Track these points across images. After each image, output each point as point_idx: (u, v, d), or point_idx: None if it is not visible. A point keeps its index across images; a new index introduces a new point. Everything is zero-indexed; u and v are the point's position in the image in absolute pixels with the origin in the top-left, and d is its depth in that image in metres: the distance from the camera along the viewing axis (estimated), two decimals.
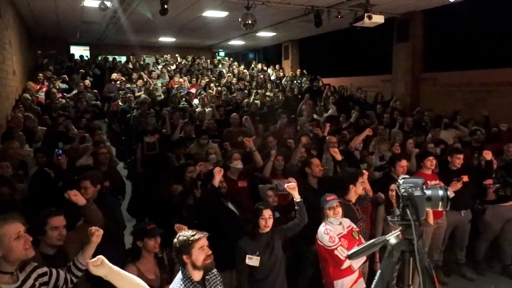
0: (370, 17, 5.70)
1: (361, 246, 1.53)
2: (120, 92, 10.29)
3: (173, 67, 14.28)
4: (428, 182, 4.54)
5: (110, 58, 14.91)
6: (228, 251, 3.41)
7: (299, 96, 10.93)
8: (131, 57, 14.58)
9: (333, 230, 3.30)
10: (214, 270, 2.63)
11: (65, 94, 9.94)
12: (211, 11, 10.25)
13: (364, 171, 4.34)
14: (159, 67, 13.83)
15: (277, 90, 12.34)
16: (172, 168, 5.37)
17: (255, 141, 6.63)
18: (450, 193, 4.41)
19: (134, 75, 12.09)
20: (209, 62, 16.18)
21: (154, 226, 3.13)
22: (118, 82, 11.20)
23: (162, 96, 10.58)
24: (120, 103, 9.67)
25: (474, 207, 5.09)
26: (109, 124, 10.05)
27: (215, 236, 3.58)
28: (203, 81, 12.54)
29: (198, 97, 10.02)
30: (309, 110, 8.47)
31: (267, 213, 3.33)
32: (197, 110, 8.76)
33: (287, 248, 3.85)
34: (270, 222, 3.34)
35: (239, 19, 8.53)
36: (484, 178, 5.04)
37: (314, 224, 3.54)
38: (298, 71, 15.19)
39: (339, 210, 3.46)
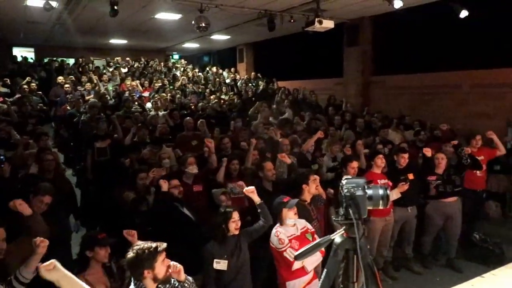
0: (320, 22, 5.87)
1: (307, 246, 1.57)
2: (68, 96, 9.86)
3: (125, 70, 13.86)
4: (378, 181, 4.75)
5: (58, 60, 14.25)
6: (185, 257, 3.36)
7: (253, 99, 11.00)
8: (80, 59, 14.01)
9: (283, 232, 3.34)
10: (190, 278, 2.58)
11: (6, 98, 9.35)
12: (164, 13, 10.09)
13: (315, 177, 4.47)
14: (110, 70, 13.38)
15: (232, 93, 12.34)
16: (124, 174, 5.21)
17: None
18: (397, 194, 4.66)
19: (84, 78, 11.62)
20: (162, 65, 15.88)
21: (105, 235, 3.02)
22: (67, 85, 10.72)
23: (113, 100, 10.25)
24: (68, 107, 9.25)
25: (418, 201, 5.35)
26: (56, 130, 9.58)
27: (170, 242, 3.55)
28: (156, 84, 12.27)
29: (151, 101, 9.81)
30: (267, 113, 8.54)
31: (236, 215, 3.36)
32: (150, 114, 8.57)
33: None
34: (239, 224, 3.35)
35: (193, 22, 8.46)
36: (427, 174, 5.31)
37: (270, 227, 3.57)
38: (253, 74, 15.29)
39: (296, 209, 3.52)
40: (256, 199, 3.51)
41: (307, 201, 4.04)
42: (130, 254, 2.40)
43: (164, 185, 3.83)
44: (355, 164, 4.66)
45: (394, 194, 4.75)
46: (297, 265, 3.26)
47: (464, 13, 7.39)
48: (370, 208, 1.49)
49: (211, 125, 7.78)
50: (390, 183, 4.91)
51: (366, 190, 1.49)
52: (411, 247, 5.41)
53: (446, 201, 5.28)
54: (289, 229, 3.41)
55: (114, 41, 14.89)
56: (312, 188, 4.00)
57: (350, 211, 1.44)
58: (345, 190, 1.49)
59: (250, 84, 13.85)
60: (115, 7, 7.57)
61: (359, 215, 1.44)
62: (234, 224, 3.33)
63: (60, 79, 11.09)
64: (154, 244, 2.41)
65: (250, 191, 3.50)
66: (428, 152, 5.24)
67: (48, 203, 3.48)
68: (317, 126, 8.08)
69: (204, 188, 4.79)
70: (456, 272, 5.26)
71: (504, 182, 7.19)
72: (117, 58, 15.09)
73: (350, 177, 1.57)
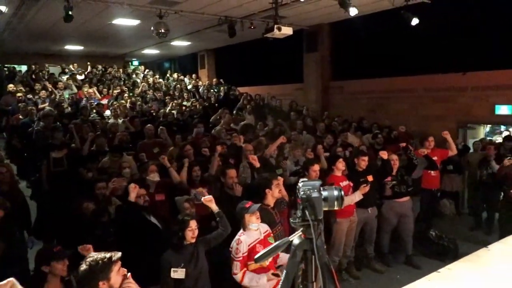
0: (279, 29, 5.96)
1: (266, 249, 1.59)
2: (20, 104, 9.40)
3: (82, 77, 13.41)
4: (340, 183, 4.87)
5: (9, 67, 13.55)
6: (153, 266, 3.30)
7: (216, 105, 10.98)
8: (33, 66, 13.41)
9: (244, 241, 3.34)
10: None
11: None
12: (121, 19, 9.88)
13: (279, 177, 4.52)
14: (66, 77, 12.89)
15: (194, 99, 12.25)
16: (83, 184, 5.04)
17: (173, 151, 6.54)
18: (359, 196, 4.81)
19: (37, 86, 11.12)
20: (121, 72, 15.51)
21: (61, 248, 2.90)
22: (19, 94, 10.21)
23: (70, 108, 9.89)
24: (20, 117, 8.82)
25: (375, 202, 5.53)
26: (8, 140, 9.10)
27: (138, 251, 3.47)
28: (115, 91, 11.97)
29: (110, 108, 9.56)
30: (228, 119, 8.54)
31: (194, 224, 3.31)
32: (109, 122, 8.35)
33: (212, 256, 3.83)
34: (196, 233, 3.31)
35: (152, 28, 8.35)
36: (384, 176, 5.50)
37: (236, 232, 3.57)
38: (214, 80, 15.26)
39: (258, 213, 3.53)
40: (214, 208, 3.52)
41: (270, 205, 4.06)
42: (83, 267, 2.30)
43: (133, 191, 3.73)
44: (316, 167, 4.75)
45: (357, 196, 4.89)
46: (238, 278, 3.30)
47: (415, 21, 7.75)
48: (326, 209, 1.54)
49: (173, 132, 7.69)
50: (351, 184, 5.05)
51: (322, 192, 1.53)
52: (373, 246, 5.58)
53: (400, 201, 5.50)
54: (252, 234, 3.42)
55: (70, 47, 14.39)
56: (275, 192, 4.03)
57: (307, 213, 1.48)
58: (302, 193, 1.53)
59: (212, 90, 13.80)
60: (70, 13, 7.33)
61: (315, 216, 1.48)
62: (191, 233, 3.28)
63: (11, 87, 10.54)
64: (108, 254, 2.33)
65: (208, 199, 3.50)
66: (384, 155, 5.43)
67: (0, 217, 3.30)
68: (280, 131, 8.19)
69: (166, 197, 4.72)
70: (415, 269, 5.47)
71: (457, 181, 7.59)
72: (73, 64, 14.58)
73: (306, 180, 1.61)
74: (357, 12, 7.36)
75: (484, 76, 8.22)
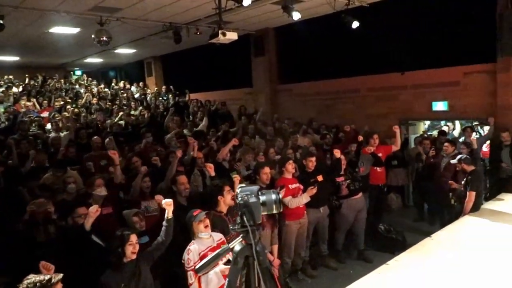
0: (224, 34, 5.96)
1: (207, 258, 1.57)
2: None
3: (19, 89, 12.64)
4: (289, 186, 4.94)
5: None
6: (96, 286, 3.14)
7: (165, 113, 10.77)
8: None
9: (195, 250, 3.27)
10: None
11: None
12: (60, 27, 9.44)
13: (236, 176, 4.51)
14: (1, 90, 12.08)
15: (142, 108, 11.94)
16: (21, 203, 4.71)
17: (120, 163, 6.31)
18: (306, 198, 4.89)
19: None
20: (63, 82, 14.80)
21: None
22: None
23: (7, 123, 9.27)
24: None
25: (332, 203, 5.68)
26: None
27: (80, 273, 3.28)
28: (56, 103, 11.38)
29: (52, 121, 9.07)
30: (176, 126, 8.40)
31: (134, 238, 3.17)
32: (50, 135, 7.92)
33: (160, 270, 3.72)
34: (137, 248, 3.18)
35: (93, 36, 8.05)
36: (335, 175, 5.66)
37: (187, 243, 3.49)
38: (163, 88, 14.97)
39: (207, 221, 3.48)
40: (169, 213, 3.41)
41: (223, 212, 4.03)
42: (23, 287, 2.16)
43: (93, 216, 3.49)
44: (266, 170, 4.78)
45: (304, 198, 4.97)
46: (195, 287, 3.22)
47: (355, 24, 8.06)
48: (265, 213, 1.54)
49: (120, 143, 7.44)
50: (302, 187, 5.13)
51: (260, 197, 1.53)
52: (326, 245, 5.70)
53: (356, 198, 5.69)
54: (203, 242, 3.36)
55: (4, 58, 13.54)
56: (228, 199, 4.00)
57: (245, 219, 1.48)
58: (239, 199, 1.52)
59: (160, 98, 13.53)
60: (1, 22, 6.90)
61: (253, 221, 1.48)
62: (131, 247, 3.15)
63: None
64: (47, 276, 2.21)
65: (169, 203, 3.40)
66: (337, 153, 5.59)
67: None
68: (233, 135, 8.19)
69: (114, 210, 4.54)
70: (367, 263, 5.66)
71: (402, 175, 7.96)
72: (9, 76, 13.71)
73: (244, 185, 1.61)
74: (300, 17, 7.53)
75: (421, 75, 8.69)
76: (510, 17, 6.64)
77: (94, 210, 3.47)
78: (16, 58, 13.81)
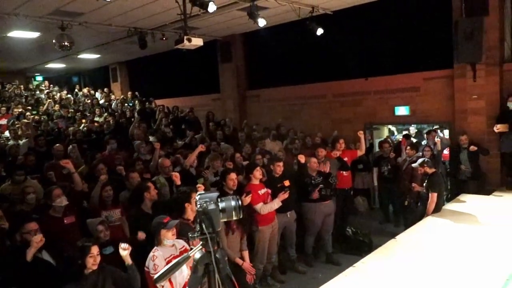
0: (189, 40, 5.92)
1: (166, 267, 1.54)
2: None
3: None
4: (258, 191, 4.94)
5: None
6: None
7: (132, 119, 10.56)
8: None
9: (160, 256, 3.21)
10: None
11: None
12: (18, 31, 9.06)
13: (200, 185, 4.48)
14: None
15: (106, 114, 11.64)
16: None
17: (84, 170, 6.14)
18: (278, 203, 4.91)
19: None
20: (22, 88, 14.23)
21: None
22: None
23: None
24: None
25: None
26: None
27: None
28: (16, 110, 10.92)
29: (10, 129, 8.69)
30: (142, 133, 8.24)
31: (95, 250, 3.08)
32: (8, 143, 7.58)
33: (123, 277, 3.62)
34: (98, 259, 3.08)
35: (54, 41, 7.79)
36: (301, 179, 5.71)
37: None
38: (129, 94, 14.68)
39: (175, 230, 3.42)
40: (128, 260, 3.33)
41: (190, 220, 3.97)
42: None
43: (37, 245, 3.29)
44: (233, 175, 4.76)
45: (275, 204, 4.99)
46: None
47: (319, 31, 8.22)
48: (225, 220, 1.53)
49: (84, 150, 7.23)
50: (270, 191, 5.14)
51: (219, 204, 1.52)
52: (294, 249, 5.73)
53: (326, 203, 5.74)
54: (167, 249, 3.30)
55: None
56: (195, 206, 3.95)
57: (204, 226, 1.46)
58: (198, 206, 1.51)
59: (126, 104, 13.25)
60: None
61: (213, 229, 1.47)
62: (92, 259, 3.07)
63: None
64: None
65: (125, 248, 3.31)
66: (301, 158, 5.65)
67: None
68: (201, 142, 8.13)
69: (76, 218, 4.40)
70: (335, 266, 5.72)
71: (367, 178, 8.15)
72: None
73: (204, 192, 1.59)
74: (265, 23, 7.60)
75: (384, 81, 8.97)
76: (465, 25, 6.96)
77: (38, 240, 3.28)
78: None
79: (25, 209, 4.66)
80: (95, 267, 3.09)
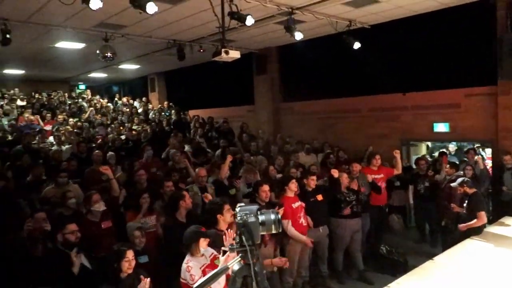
0: (227, 52, 6.01)
1: (206, 277, 1.55)
2: None
3: (23, 102, 12.74)
4: (292, 205, 4.92)
5: None
6: None
7: (167, 128, 10.83)
8: None
9: (195, 266, 3.24)
10: None
11: None
12: (65, 42, 9.54)
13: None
14: (4, 102, 12.17)
15: (144, 123, 12.00)
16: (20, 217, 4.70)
17: (120, 177, 6.33)
18: (306, 239, 4.82)
19: None
20: (66, 96, 14.91)
21: None
22: None
23: (10, 136, 9.32)
24: None
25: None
26: None
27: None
28: (60, 116, 11.45)
29: (54, 134, 9.11)
30: (178, 142, 8.42)
31: (131, 254, 3.16)
32: (52, 148, 7.94)
33: (159, 283, 3.67)
34: (133, 264, 3.16)
35: (97, 51, 8.14)
36: (332, 194, 5.63)
37: (183, 260, 3.45)
38: (165, 104, 15.06)
39: (208, 240, 3.45)
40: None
41: (223, 230, 3.99)
42: None
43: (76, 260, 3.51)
44: (266, 187, 4.76)
45: (303, 237, 4.93)
46: None
47: (357, 45, 8.16)
48: (264, 233, 1.53)
49: (122, 158, 7.46)
50: (304, 205, 5.09)
51: (259, 216, 1.52)
52: (326, 265, 5.63)
53: (355, 219, 5.63)
54: (199, 259, 3.32)
55: (9, 71, 13.64)
56: (228, 217, 3.97)
57: (244, 238, 1.47)
58: (238, 218, 1.51)
59: (163, 114, 13.61)
60: (8, 35, 6.98)
61: (252, 241, 1.47)
62: (127, 264, 3.16)
63: None
64: None
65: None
66: (335, 173, 5.58)
67: None
68: (233, 153, 8.19)
69: (113, 224, 4.54)
70: (368, 285, 5.58)
71: (403, 195, 7.92)
72: (14, 89, 13.83)
73: (244, 204, 1.60)
74: (302, 37, 7.63)
75: (423, 96, 8.74)
76: (510, 41, 6.71)
77: (74, 255, 3.50)
78: (21, 72, 13.91)
79: (64, 212, 4.85)
80: (130, 271, 3.17)
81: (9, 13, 6.93)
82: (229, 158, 6.13)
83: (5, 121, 10.54)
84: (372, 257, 6.23)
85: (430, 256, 4.67)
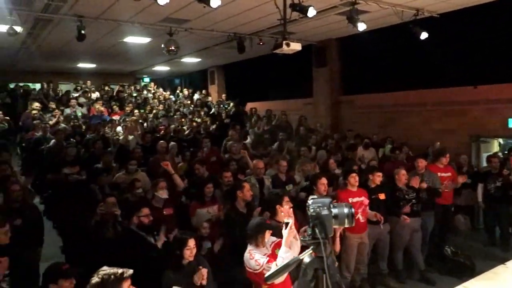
0: (288, 45, 5.99)
1: (276, 268, 1.56)
2: (35, 121, 9.56)
3: (95, 94, 13.65)
4: (349, 198, 4.81)
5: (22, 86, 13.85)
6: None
7: (226, 120, 11.05)
8: (48, 84, 13.69)
9: (258, 252, 3.27)
10: None
11: None
12: (132, 37, 10.06)
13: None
14: (77, 94, 13.12)
15: (204, 115, 12.34)
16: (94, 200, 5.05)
17: (182, 167, 6.57)
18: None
19: (51, 104, 11.32)
20: (133, 89, 15.75)
21: (69, 266, 2.89)
22: (34, 111, 10.40)
23: (83, 125, 10.03)
24: (35, 133, 8.96)
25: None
26: (24, 156, 9.25)
27: (140, 269, 3.44)
28: (127, 108, 12.13)
29: (122, 125, 9.66)
30: (236, 134, 8.56)
31: (192, 243, 3.29)
32: (120, 138, 8.43)
33: (218, 273, 3.78)
34: (195, 252, 3.29)
35: (162, 45, 8.47)
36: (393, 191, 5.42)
37: (243, 249, 3.51)
38: (224, 96, 15.35)
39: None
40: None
41: (281, 222, 4.01)
42: (95, 279, 2.33)
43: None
44: (324, 180, 4.70)
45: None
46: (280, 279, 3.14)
47: (424, 35, 7.75)
48: (336, 226, 1.50)
49: (182, 148, 7.73)
50: (366, 202, 4.96)
51: (332, 209, 1.50)
52: (386, 263, 5.46)
53: (414, 218, 5.40)
54: (261, 249, 3.36)
55: (82, 65, 14.66)
56: (286, 209, 3.98)
57: (317, 231, 1.45)
58: (311, 210, 1.50)
59: (222, 106, 13.90)
60: (82, 32, 7.49)
61: (325, 234, 1.45)
62: (189, 252, 3.28)
63: (37, 105, 10.75)
64: (120, 270, 2.35)
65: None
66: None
67: (7, 231, 3.28)
68: (289, 147, 8.20)
69: (174, 211, 4.74)
70: (430, 286, 5.34)
71: (471, 195, 7.42)
72: (87, 82, 14.83)
73: (316, 196, 1.58)
74: (365, 27, 7.39)
75: (496, 89, 8.13)
76: None
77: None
78: (92, 65, 14.91)
79: (131, 198, 5.13)
80: (191, 259, 3.30)
81: (84, 11, 7.43)
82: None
83: (79, 112, 11.35)
84: (435, 258, 5.93)
85: (501, 261, 4.35)
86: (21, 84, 14.18)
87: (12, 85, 13.92)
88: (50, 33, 9.30)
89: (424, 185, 5.62)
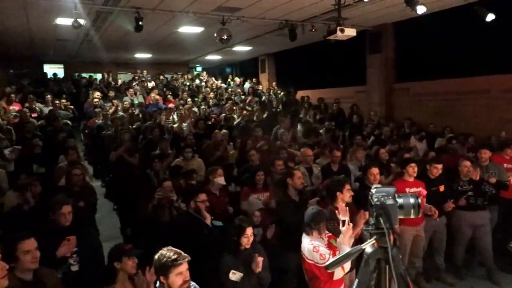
0: (342, 31, 5.83)
1: (338, 257, 1.55)
2: (96, 109, 10.15)
3: (151, 83, 14.20)
4: (407, 189, 4.65)
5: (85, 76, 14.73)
6: (209, 270, 3.40)
7: (277, 109, 11.04)
8: (108, 74, 14.45)
9: (321, 245, 3.26)
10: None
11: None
12: (186, 27, 10.28)
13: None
14: (135, 83, 13.73)
15: (255, 104, 12.41)
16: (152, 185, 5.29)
17: (234, 154, 6.69)
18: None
19: (111, 93, 11.95)
20: (186, 78, 16.17)
21: (132, 246, 3.08)
22: (95, 100, 11.04)
23: (140, 114, 10.48)
24: (96, 121, 9.52)
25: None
26: (86, 142, 9.87)
27: (196, 254, 3.57)
28: (182, 96, 12.50)
29: (176, 113, 9.98)
30: (288, 122, 8.53)
31: (250, 231, 3.38)
32: (175, 125, 8.73)
33: (269, 260, 3.83)
34: (251, 240, 3.37)
35: (215, 34, 8.58)
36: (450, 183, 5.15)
37: (296, 236, 3.53)
38: (274, 84, 15.32)
39: None
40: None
41: (337, 207, 3.96)
42: (157, 255, 2.52)
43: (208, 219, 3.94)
44: (375, 170, 4.57)
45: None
46: (336, 275, 3.11)
47: (490, 17, 7.21)
48: (402, 217, 1.46)
49: (233, 136, 7.86)
50: (424, 193, 4.77)
51: (397, 199, 1.45)
52: (442, 257, 5.22)
53: (475, 212, 5.10)
54: (320, 240, 3.35)
55: (139, 55, 15.26)
56: (346, 197, 3.91)
57: (381, 221, 1.41)
58: (375, 199, 1.46)
59: (272, 94, 13.91)
60: (140, 23, 7.77)
61: (390, 224, 1.41)
62: (246, 239, 3.37)
63: (98, 94, 11.45)
64: (175, 256, 2.48)
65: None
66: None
67: (70, 212, 3.49)
68: (339, 135, 8.08)
69: (228, 199, 4.86)
70: (494, 285, 5.05)
71: None
72: (143, 72, 15.45)
73: (380, 186, 1.54)
74: (425, 10, 7.00)
75: None
76: None
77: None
78: (149, 55, 15.48)
79: (182, 184, 5.28)
80: (248, 246, 3.40)
81: (141, 3, 7.70)
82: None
83: (136, 101, 11.87)
84: (498, 254, 5.59)
85: None
86: (83, 74, 15.07)
87: (75, 76, 14.84)
88: (110, 25, 9.74)
89: (493, 180, 5.28)
